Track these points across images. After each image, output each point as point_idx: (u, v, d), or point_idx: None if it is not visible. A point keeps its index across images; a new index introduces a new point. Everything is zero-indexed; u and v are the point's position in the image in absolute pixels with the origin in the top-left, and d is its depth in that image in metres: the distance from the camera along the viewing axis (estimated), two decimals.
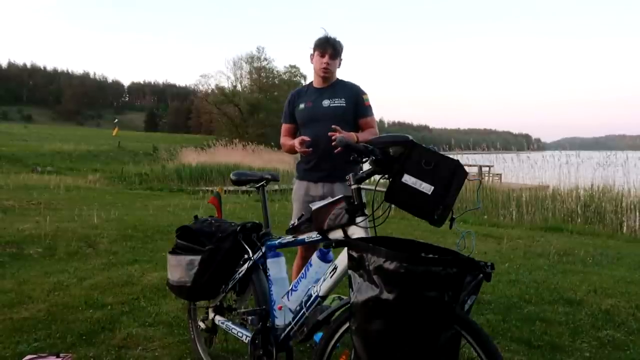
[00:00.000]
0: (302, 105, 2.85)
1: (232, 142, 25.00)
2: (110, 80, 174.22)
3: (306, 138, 2.67)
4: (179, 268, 2.21)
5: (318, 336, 1.83)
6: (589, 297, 3.74)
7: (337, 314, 1.73)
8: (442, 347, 1.39)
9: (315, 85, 2.88)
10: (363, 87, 2.88)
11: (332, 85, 2.84)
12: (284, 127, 2.98)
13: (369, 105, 2.84)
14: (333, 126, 2.52)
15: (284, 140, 2.96)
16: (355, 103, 2.78)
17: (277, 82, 49.12)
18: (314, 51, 2.80)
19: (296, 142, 2.69)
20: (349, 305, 1.51)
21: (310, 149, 2.66)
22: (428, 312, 1.33)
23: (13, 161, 21.63)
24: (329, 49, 2.74)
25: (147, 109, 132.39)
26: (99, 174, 17.78)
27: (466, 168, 1.59)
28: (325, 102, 2.78)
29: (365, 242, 1.52)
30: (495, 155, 13.66)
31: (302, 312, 1.85)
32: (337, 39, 2.80)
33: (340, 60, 2.85)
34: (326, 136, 2.66)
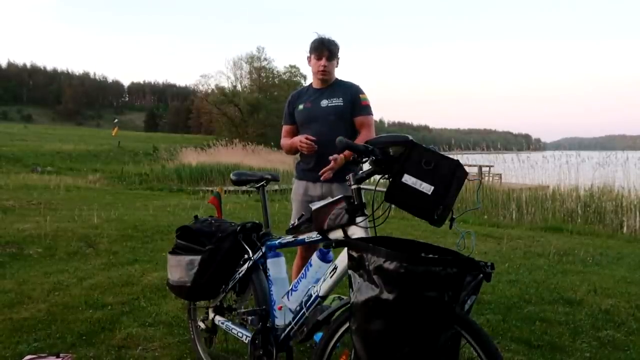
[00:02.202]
0: (301, 106, 2.86)
1: (232, 142, 25.00)
2: (110, 80, 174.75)
3: (311, 137, 2.66)
4: (179, 268, 2.21)
5: (318, 336, 1.83)
6: (589, 297, 3.74)
7: (337, 314, 1.73)
8: (442, 347, 1.39)
9: (314, 86, 2.88)
10: (363, 87, 2.87)
11: (331, 86, 2.84)
12: (285, 128, 2.97)
13: (367, 105, 2.82)
14: (330, 157, 2.51)
15: (284, 141, 2.95)
16: (352, 102, 2.78)
17: (277, 82, 49.15)
18: (311, 54, 2.80)
19: (300, 137, 2.69)
20: (349, 305, 1.50)
21: (316, 146, 2.66)
22: (428, 312, 1.33)
23: (13, 161, 21.65)
24: (324, 51, 2.73)
25: (147, 109, 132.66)
26: (99, 174, 17.80)
27: (466, 168, 1.59)
28: (324, 102, 2.79)
29: (365, 242, 1.52)
30: (495, 155, 13.63)
31: (302, 312, 1.85)
32: (332, 40, 2.79)
33: (338, 59, 2.84)
34: (325, 136, 2.65)
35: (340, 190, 2.68)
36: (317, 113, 2.78)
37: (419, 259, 1.35)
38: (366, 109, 2.81)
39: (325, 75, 2.77)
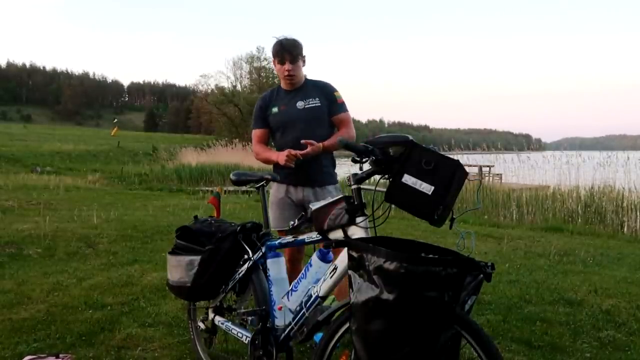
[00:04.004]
0: (275, 109, 2.75)
1: (231, 142, 24.98)
2: (109, 80, 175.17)
3: (298, 154, 2.52)
4: (178, 268, 2.20)
5: (318, 336, 1.83)
6: (590, 297, 3.73)
7: (337, 314, 1.73)
8: (442, 347, 1.39)
9: (285, 87, 2.77)
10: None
11: (303, 86, 2.74)
12: (257, 132, 2.83)
13: (343, 102, 2.75)
14: (302, 141, 2.51)
15: (259, 148, 2.83)
16: (328, 101, 2.71)
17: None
18: (274, 59, 2.69)
19: (282, 157, 2.55)
20: (349, 305, 1.50)
21: (294, 163, 2.55)
22: (428, 312, 1.33)
23: (12, 161, 21.67)
24: (285, 55, 2.61)
25: (147, 109, 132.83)
26: (98, 174, 17.79)
27: (466, 168, 1.58)
28: (300, 104, 2.69)
29: (365, 242, 1.51)
30: (496, 155, 13.63)
31: (302, 312, 1.85)
32: (293, 40, 2.65)
33: (304, 58, 2.72)
34: (304, 138, 2.59)
35: (320, 194, 2.64)
36: (295, 115, 2.69)
37: (419, 259, 1.34)
38: (343, 107, 2.75)
39: (292, 79, 2.68)
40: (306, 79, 2.78)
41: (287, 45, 2.63)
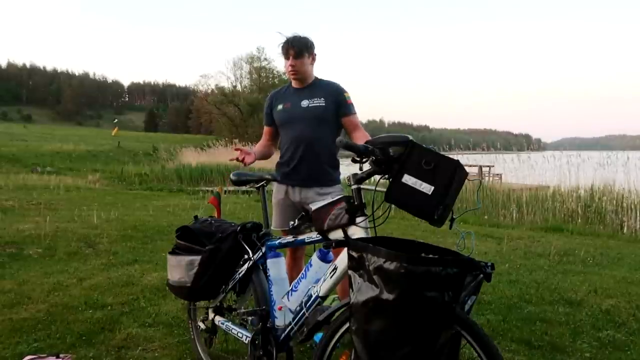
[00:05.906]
0: (280, 107, 2.76)
1: (232, 142, 24.99)
2: (110, 80, 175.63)
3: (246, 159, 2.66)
4: (178, 268, 2.21)
5: (318, 336, 1.83)
6: (590, 297, 3.73)
7: (337, 314, 1.73)
8: (442, 347, 1.39)
9: (294, 85, 2.76)
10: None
11: (310, 85, 2.73)
12: (264, 129, 2.91)
13: (352, 103, 2.73)
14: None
15: (258, 143, 2.97)
16: (336, 102, 2.68)
17: (277, 82, 49.15)
18: (282, 55, 2.69)
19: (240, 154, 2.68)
20: (349, 305, 1.50)
21: (245, 158, 2.67)
22: (428, 313, 1.33)
23: (13, 161, 21.69)
24: (290, 49, 2.60)
25: (147, 109, 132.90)
26: (98, 174, 17.81)
27: (466, 168, 1.58)
28: (304, 103, 2.68)
29: (365, 242, 1.52)
30: (496, 155, 13.64)
31: (302, 312, 1.85)
32: (301, 37, 2.64)
33: (314, 56, 2.70)
34: (306, 138, 2.62)
35: (315, 197, 2.61)
36: (298, 114, 2.69)
37: (419, 259, 1.34)
38: (352, 108, 2.72)
39: (296, 74, 2.66)
40: (316, 78, 2.76)
41: (292, 41, 2.63)
